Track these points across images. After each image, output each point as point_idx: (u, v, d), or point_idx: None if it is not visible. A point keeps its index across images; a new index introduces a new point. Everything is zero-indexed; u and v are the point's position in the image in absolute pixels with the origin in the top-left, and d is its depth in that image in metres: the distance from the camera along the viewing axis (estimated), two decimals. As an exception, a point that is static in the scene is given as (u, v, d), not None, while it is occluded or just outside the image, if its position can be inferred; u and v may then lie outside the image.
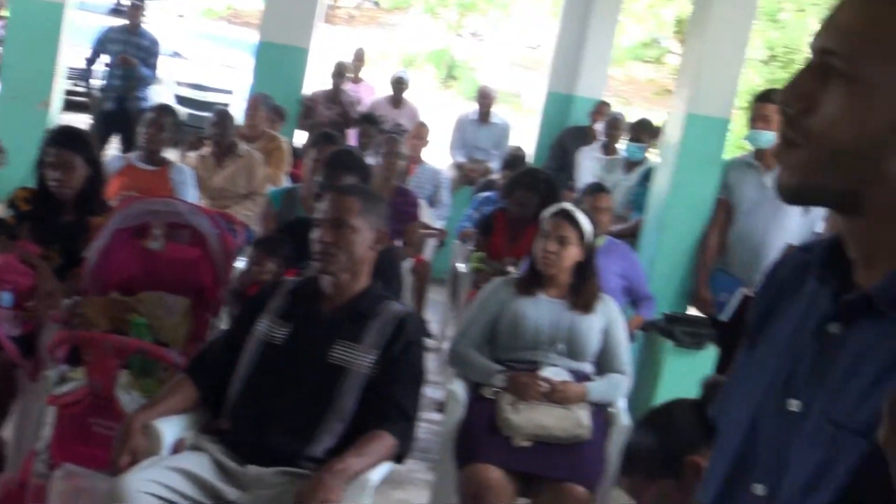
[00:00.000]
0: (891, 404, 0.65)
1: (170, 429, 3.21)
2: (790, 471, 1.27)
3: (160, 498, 2.95)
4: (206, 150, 7.01)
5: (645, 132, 7.87)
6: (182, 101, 12.75)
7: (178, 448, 3.37)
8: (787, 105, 1.23)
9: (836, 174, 1.21)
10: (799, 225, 5.69)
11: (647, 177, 7.04)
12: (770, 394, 1.33)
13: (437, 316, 7.57)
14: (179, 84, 13.40)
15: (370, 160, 6.69)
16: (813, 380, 1.27)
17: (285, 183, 7.30)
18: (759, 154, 5.67)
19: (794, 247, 1.48)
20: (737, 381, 1.45)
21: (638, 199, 7.01)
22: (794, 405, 1.29)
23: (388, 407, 3.20)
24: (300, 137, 8.99)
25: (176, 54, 13.84)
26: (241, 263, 4.66)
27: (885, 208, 1.21)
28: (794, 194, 1.26)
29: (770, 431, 1.32)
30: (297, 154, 7.95)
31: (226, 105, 9.62)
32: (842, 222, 1.28)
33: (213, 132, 6.93)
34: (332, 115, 9.52)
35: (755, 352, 1.42)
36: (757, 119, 5.74)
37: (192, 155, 7.07)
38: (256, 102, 7.81)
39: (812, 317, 1.31)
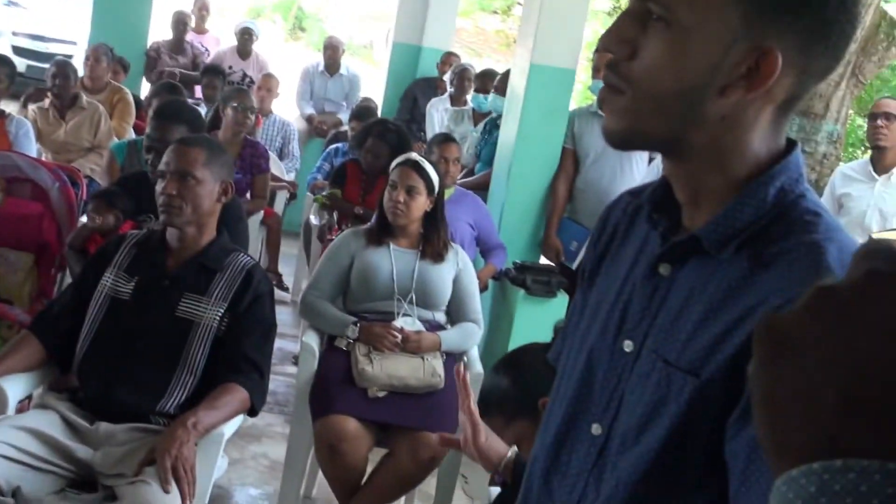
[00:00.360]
0: (754, 335, 0.68)
1: (14, 387, 3.13)
2: (624, 410, 1.32)
3: (6, 458, 2.87)
4: (47, 102, 6.79)
5: (490, 83, 7.92)
6: (19, 51, 12.30)
7: (23, 407, 3.30)
8: (609, 51, 1.25)
9: (658, 119, 1.24)
10: (643, 173, 5.84)
11: (488, 128, 7.08)
12: (604, 335, 1.38)
13: (292, 269, 7.54)
14: (16, 34, 12.93)
15: (203, 110, 6.59)
16: (645, 320, 1.32)
17: (130, 135, 7.14)
18: (604, 104, 5.77)
19: (627, 191, 1.52)
20: (574, 324, 1.49)
21: (483, 151, 7.03)
22: (627, 345, 1.33)
23: (239, 360, 3.18)
24: (147, 90, 8.78)
25: (12, 3, 13.35)
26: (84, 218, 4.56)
27: (706, 152, 1.25)
28: (621, 140, 1.28)
29: (605, 372, 1.36)
30: (140, 105, 7.77)
31: (69, 56, 9.28)
32: (668, 166, 1.32)
33: (54, 84, 6.71)
34: (179, 65, 9.32)
35: (590, 295, 1.46)
36: (600, 69, 5.85)
37: (33, 107, 6.85)
38: (98, 53, 7.58)
39: (643, 259, 1.36)
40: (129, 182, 4.44)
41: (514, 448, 1.91)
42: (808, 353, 0.64)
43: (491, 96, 7.34)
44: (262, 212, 6.64)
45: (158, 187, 3.28)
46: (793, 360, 0.64)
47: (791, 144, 1.28)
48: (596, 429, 1.36)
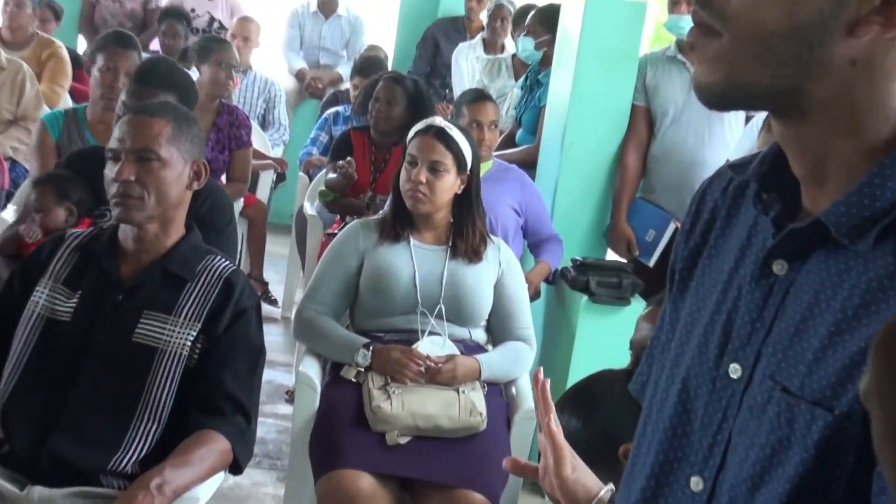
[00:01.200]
0: (880, 343, 0.64)
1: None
2: (733, 457, 1.30)
3: None
4: (-47, 62, 6.84)
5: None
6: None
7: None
8: None
9: (766, 67, 1.23)
10: (739, 135, 5.80)
11: (529, 85, 7.03)
12: (703, 358, 1.37)
13: (281, 276, 7.53)
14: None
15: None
16: (756, 336, 1.31)
17: (66, 102, 7.17)
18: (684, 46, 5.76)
19: (727, 165, 1.50)
20: (663, 343, 1.48)
21: (524, 116, 6.98)
22: (733, 370, 1.32)
23: (217, 398, 3.17)
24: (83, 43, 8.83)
25: None
26: (8, 213, 4.57)
27: (832, 109, 1.24)
28: (718, 96, 1.27)
29: (706, 407, 1.35)
30: (79, 63, 7.80)
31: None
32: (780, 130, 1.30)
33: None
34: (124, 9, 9.36)
35: (683, 304, 1.46)
36: (679, 1, 5.83)
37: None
38: (20, -5, 7.62)
39: (751, 254, 1.35)
40: (79, 163, 4.43)
41: (611, 486, 1.87)
42: None
43: (520, 39, 7.29)
44: (241, 199, 6.65)
45: (110, 171, 3.23)
46: None
47: None
48: (696, 483, 1.35)
